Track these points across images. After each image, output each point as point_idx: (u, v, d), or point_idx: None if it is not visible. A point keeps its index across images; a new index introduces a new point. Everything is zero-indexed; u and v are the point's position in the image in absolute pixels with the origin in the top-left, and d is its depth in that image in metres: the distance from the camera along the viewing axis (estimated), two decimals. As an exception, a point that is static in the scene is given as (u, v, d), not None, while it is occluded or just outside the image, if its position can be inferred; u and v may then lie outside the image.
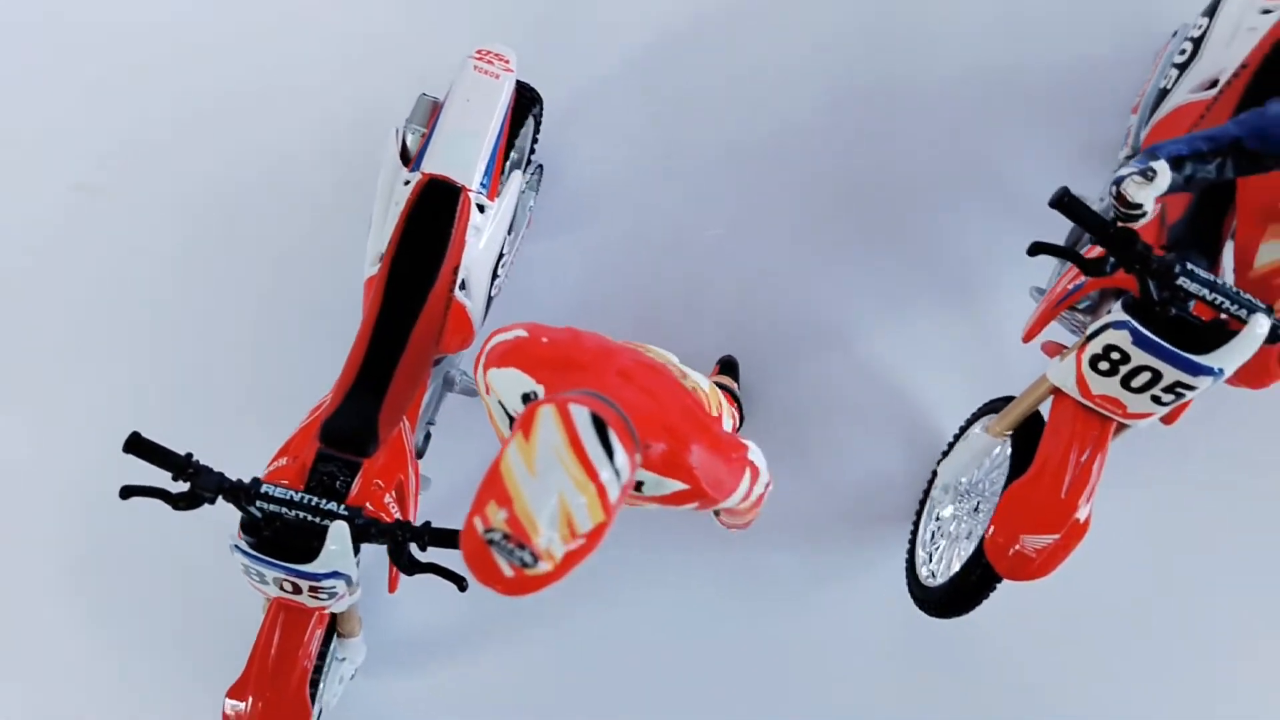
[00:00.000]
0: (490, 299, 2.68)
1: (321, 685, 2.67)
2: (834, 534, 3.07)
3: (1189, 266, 2.12)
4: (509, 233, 2.64)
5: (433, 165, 2.48)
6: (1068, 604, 2.96)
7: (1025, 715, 2.94)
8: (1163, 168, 2.05)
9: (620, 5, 3.30)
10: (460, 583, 2.14)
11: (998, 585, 2.55)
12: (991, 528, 2.36)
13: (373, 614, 2.97)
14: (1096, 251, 2.44)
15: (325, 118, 3.16)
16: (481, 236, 2.53)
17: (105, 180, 3.24)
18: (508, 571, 1.51)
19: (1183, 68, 2.58)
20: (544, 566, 1.50)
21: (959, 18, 3.26)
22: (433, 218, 2.47)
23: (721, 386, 2.81)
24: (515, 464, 1.53)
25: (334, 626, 2.59)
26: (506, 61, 2.53)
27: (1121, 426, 2.37)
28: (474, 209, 2.49)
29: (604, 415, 1.54)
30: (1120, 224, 2.09)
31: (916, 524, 2.91)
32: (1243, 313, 2.12)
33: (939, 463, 2.79)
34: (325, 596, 2.31)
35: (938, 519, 2.88)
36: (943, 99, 3.24)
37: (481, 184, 2.50)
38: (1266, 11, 2.49)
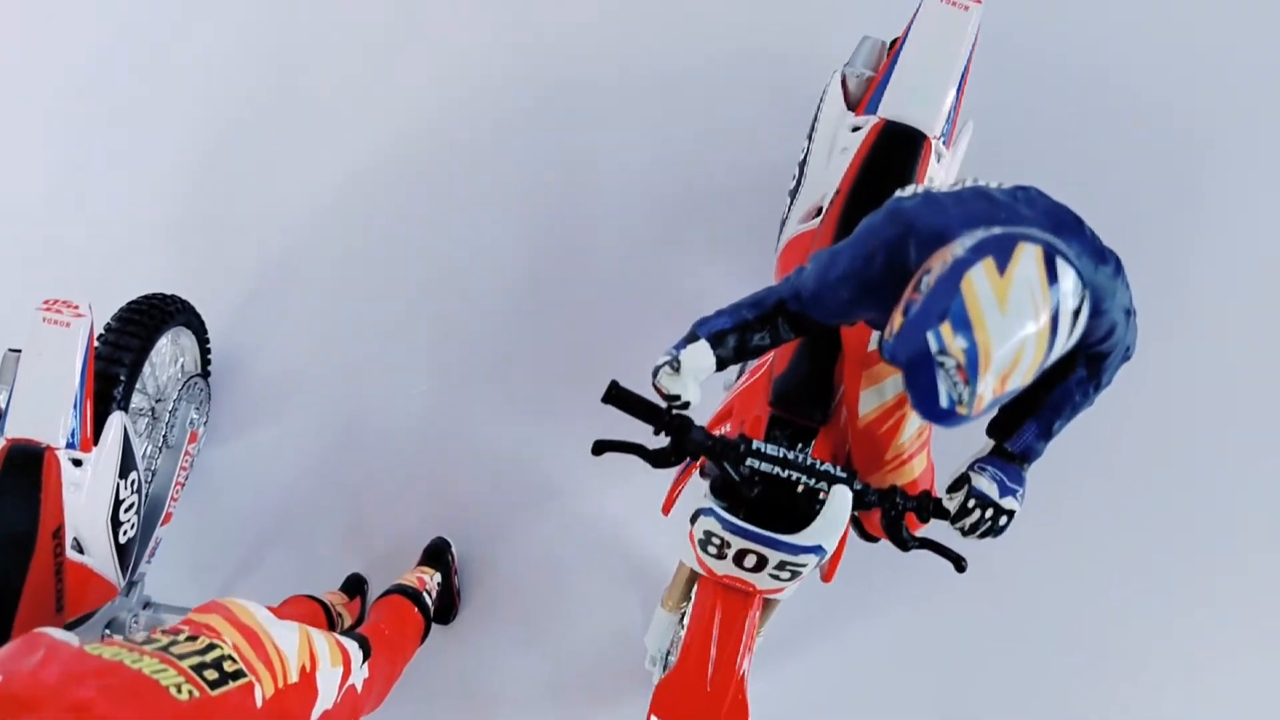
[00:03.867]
0: (124, 544, 2.51)
1: None
2: (579, 703, 2.88)
3: (754, 446, 1.95)
4: (123, 476, 2.49)
5: (15, 429, 2.33)
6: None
7: None
8: (695, 351, 1.89)
9: (270, 205, 3.20)
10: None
11: None
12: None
13: None
14: None
15: None
16: (82, 491, 2.38)
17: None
18: None
19: (793, 194, 2.43)
20: None
21: (625, 152, 3.15)
22: (25, 484, 2.32)
23: (400, 590, 2.65)
24: None
25: None
26: (76, 308, 2.39)
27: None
28: (67, 465, 2.35)
29: None
30: (675, 410, 1.94)
31: None
32: (823, 486, 1.96)
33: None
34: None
35: None
36: (623, 231, 3.11)
37: (70, 438, 2.36)
38: (857, 129, 2.35)
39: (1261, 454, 2.93)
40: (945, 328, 1.42)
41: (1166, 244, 3.02)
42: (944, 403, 1.43)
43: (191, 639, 1.90)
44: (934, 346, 1.42)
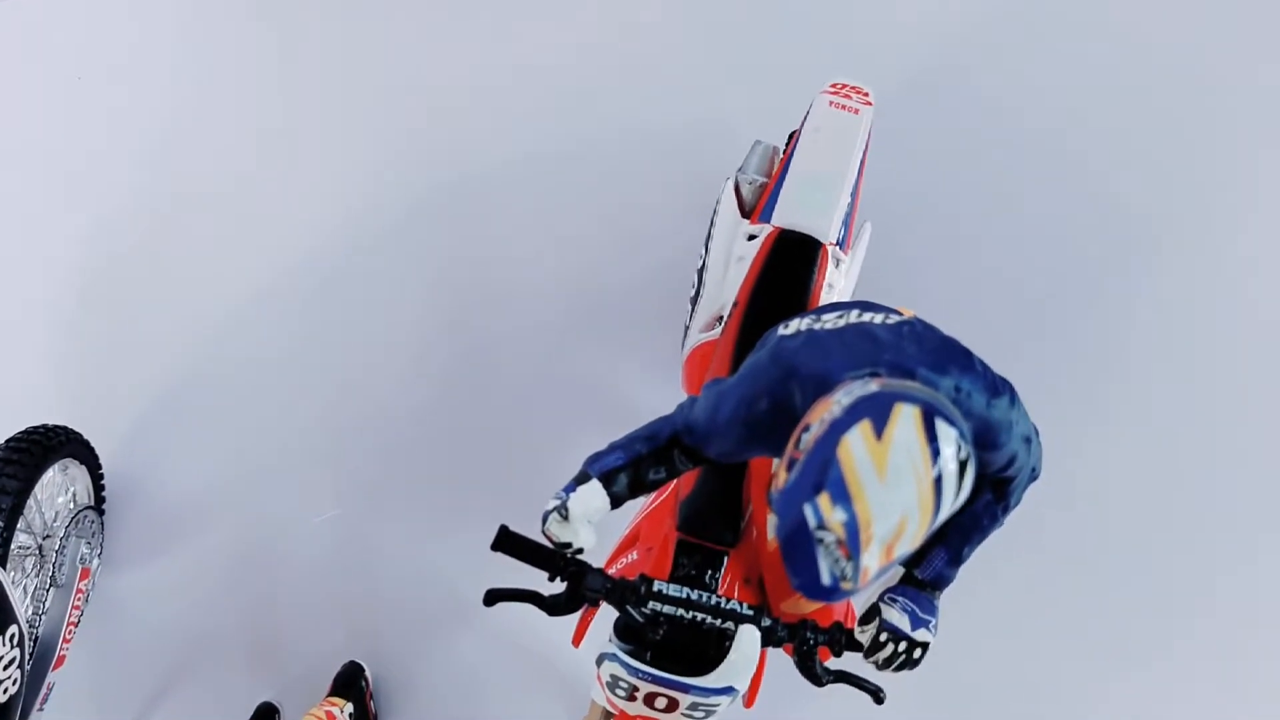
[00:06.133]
0: (5, 703, 2.35)
1: None
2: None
3: (655, 588, 1.86)
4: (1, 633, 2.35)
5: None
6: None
7: None
8: (586, 495, 1.79)
9: (161, 323, 3.07)
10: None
11: None
12: None
13: None
14: None
15: None
16: None
17: None
18: None
19: (693, 302, 2.36)
20: None
21: (528, 254, 3.07)
22: None
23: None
24: None
25: None
26: None
27: None
28: None
29: None
30: (570, 555, 1.85)
31: None
32: (730, 626, 1.87)
33: None
34: None
35: None
36: (530, 335, 3.01)
37: None
38: (752, 238, 2.29)
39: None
40: (823, 500, 1.32)
41: (1075, 335, 2.99)
42: (826, 580, 1.33)
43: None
44: (812, 521, 1.32)
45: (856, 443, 1.32)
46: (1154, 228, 3.09)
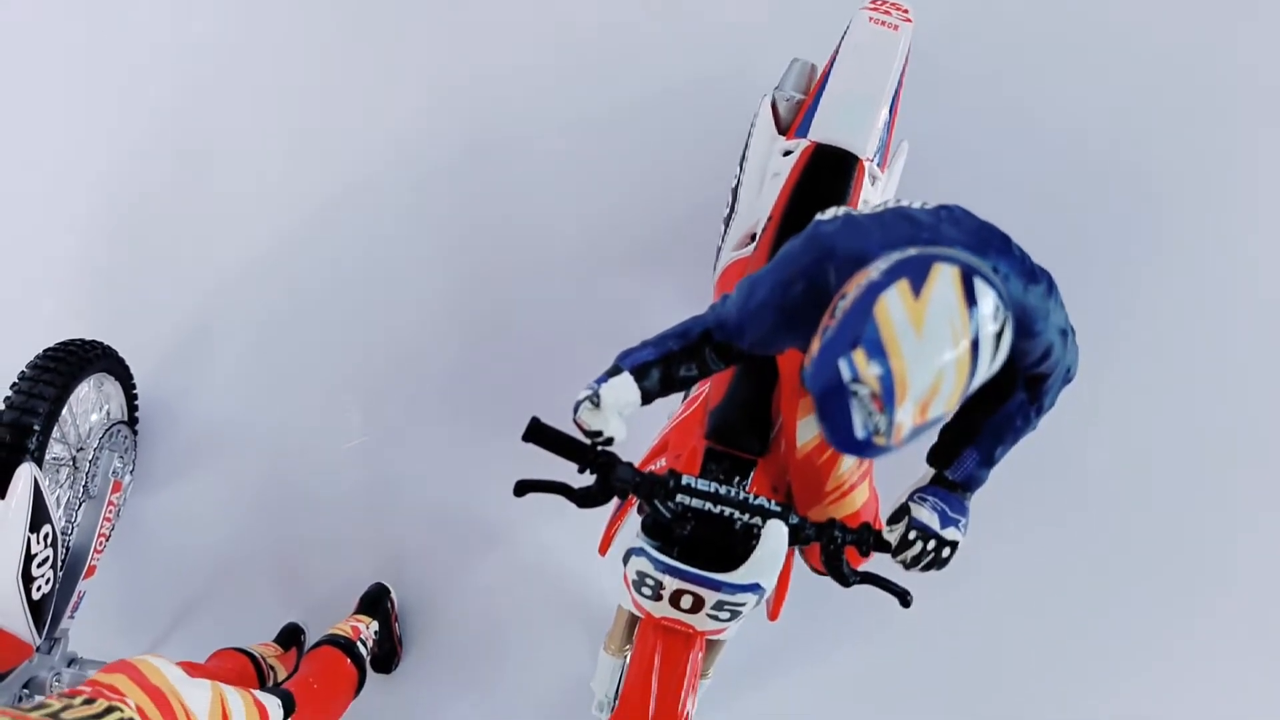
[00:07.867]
0: (38, 600, 2.39)
1: None
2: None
3: (684, 481, 1.86)
4: (34, 529, 2.37)
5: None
6: None
7: None
8: (618, 385, 1.80)
9: (199, 248, 3.10)
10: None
11: None
12: None
13: None
14: None
15: None
16: None
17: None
18: None
19: (727, 221, 2.36)
20: None
21: (558, 191, 3.08)
22: None
23: (331, 640, 2.54)
24: None
25: None
26: None
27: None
28: None
29: None
30: (600, 446, 1.86)
31: None
32: (757, 521, 1.88)
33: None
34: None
35: None
36: (559, 268, 3.02)
37: None
38: (788, 153, 2.29)
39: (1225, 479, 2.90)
40: (858, 355, 1.32)
41: (1108, 262, 2.97)
42: (859, 433, 1.33)
43: (89, 702, 1.79)
44: (846, 375, 1.32)
45: (894, 300, 1.32)
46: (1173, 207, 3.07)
